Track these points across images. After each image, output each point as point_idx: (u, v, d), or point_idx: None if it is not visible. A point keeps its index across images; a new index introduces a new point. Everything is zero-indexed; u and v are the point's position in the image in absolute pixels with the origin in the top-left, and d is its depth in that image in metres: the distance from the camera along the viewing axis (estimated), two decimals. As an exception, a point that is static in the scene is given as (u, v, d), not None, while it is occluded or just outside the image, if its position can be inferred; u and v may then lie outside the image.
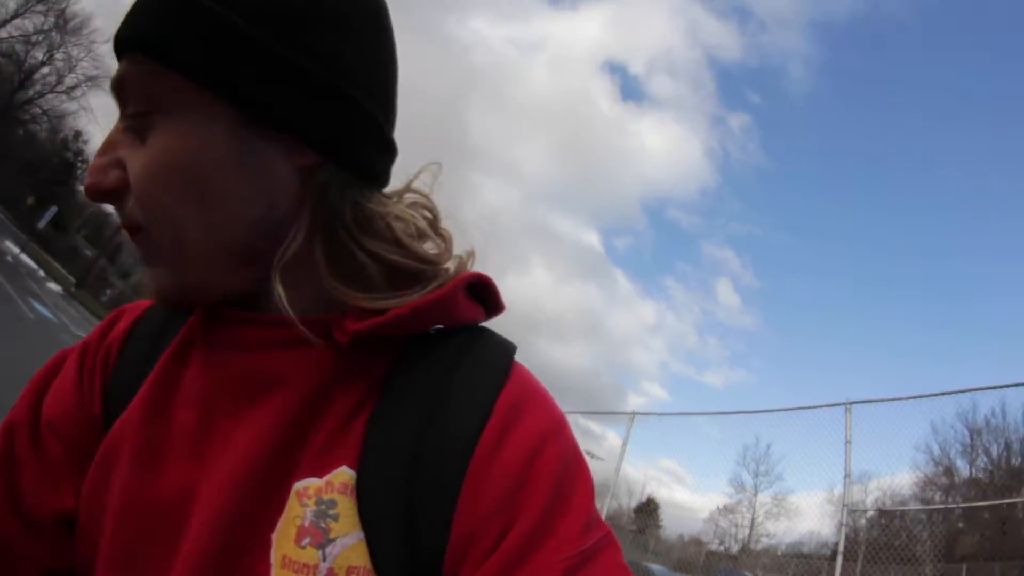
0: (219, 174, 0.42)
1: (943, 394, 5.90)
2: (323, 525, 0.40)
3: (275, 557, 0.40)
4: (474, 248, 0.49)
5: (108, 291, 25.94)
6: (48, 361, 0.54)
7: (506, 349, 0.47)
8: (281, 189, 0.44)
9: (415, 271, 0.45)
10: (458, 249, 0.48)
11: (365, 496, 0.41)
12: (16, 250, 20.76)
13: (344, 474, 0.42)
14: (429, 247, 0.46)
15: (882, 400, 6.17)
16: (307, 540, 0.40)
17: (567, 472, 0.41)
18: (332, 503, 0.41)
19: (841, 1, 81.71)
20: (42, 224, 23.68)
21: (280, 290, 0.42)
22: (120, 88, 0.43)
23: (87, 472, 0.47)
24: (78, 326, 12.94)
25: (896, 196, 60.11)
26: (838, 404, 6.21)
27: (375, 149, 0.46)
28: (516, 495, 0.39)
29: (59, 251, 28.38)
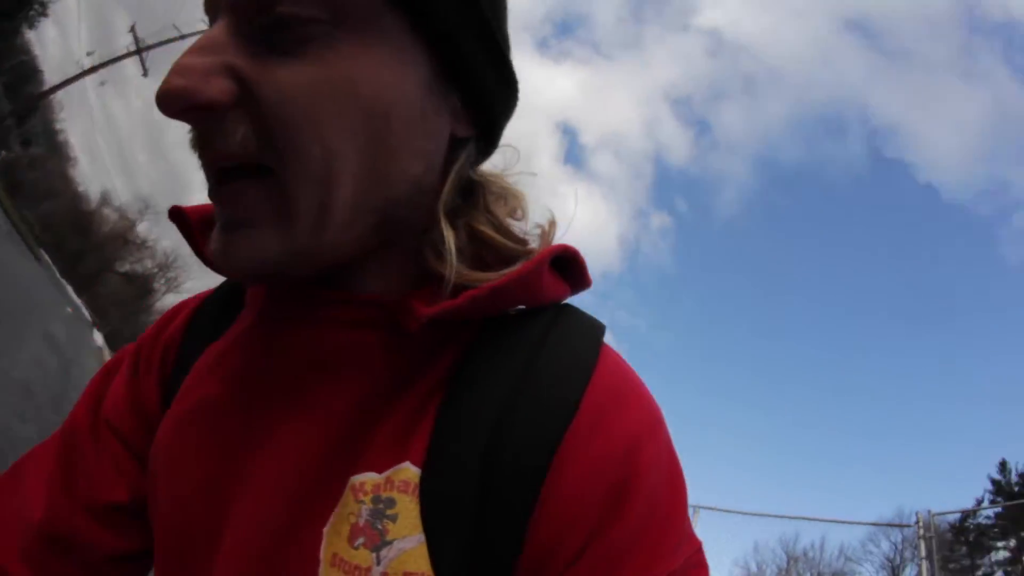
0: (397, 122, 0.37)
1: (776, 516, 6.48)
2: (379, 526, 0.36)
3: (325, 553, 0.36)
4: (554, 217, 0.44)
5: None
6: (108, 360, 0.54)
7: (594, 331, 0.42)
8: (438, 154, 0.41)
9: (506, 250, 0.41)
10: (537, 218, 0.45)
11: (430, 497, 0.36)
12: None
13: (407, 471, 0.37)
14: (519, 226, 0.43)
15: (726, 511, 6.47)
16: (360, 540, 0.36)
17: (663, 478, 0.37)
18: (391, 502, 0.37)
19: (792, 149, 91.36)
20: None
21: (450, 255, 0.38)
22: None
23: (147, 465, 0.45)
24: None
25: (781, 326, 65.90)
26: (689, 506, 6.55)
27: (507, 121, 0.45)
28: (604, 502, 0.35)
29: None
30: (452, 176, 0.41)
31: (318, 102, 0.34)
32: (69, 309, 14.65)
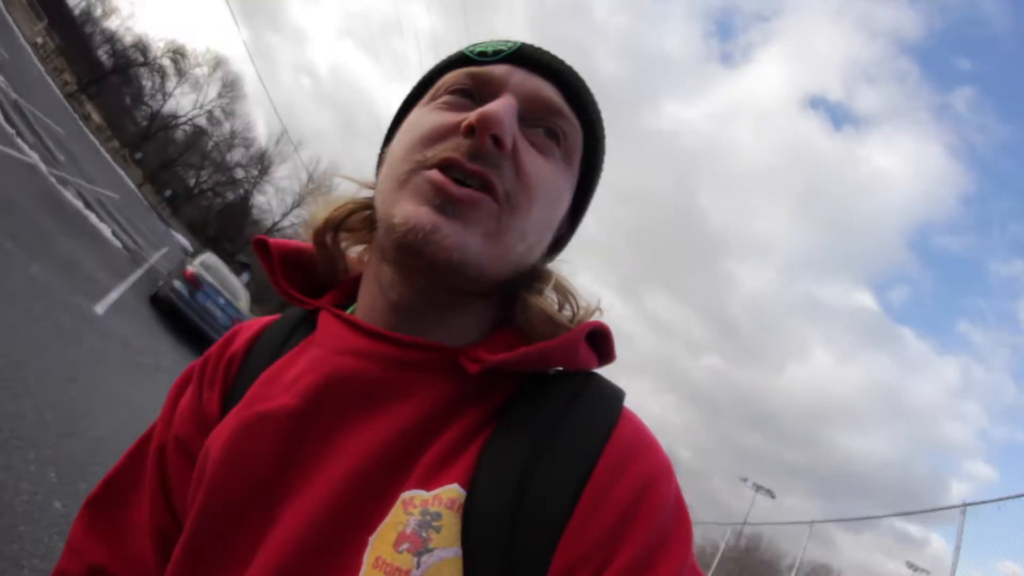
0: (553, 227, 0.55)
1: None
2: (424, 534, 0.41)
3: (368, 557, 0.41)
4: (600, 303, 0.54)
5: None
6: (179, 377, 0.60)
7: (616, 394, 0.49)
8: (542, 256, 0.54)
9: (559, 324, 0.50)
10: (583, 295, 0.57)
11: (471, 516, 0.42)
12: None
13: (454, 491, 0.43)
14: (567, 309, 0.53)
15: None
16: (405, 546, 0.41)
17: (669, 517, 0.42)
18: (437, 515, 0.42)
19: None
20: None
21: (538, 303, 0.50)
22: (548, 108, 0.52)
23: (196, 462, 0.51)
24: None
25: None
26: None
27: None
28: (617, 534, 0.40)
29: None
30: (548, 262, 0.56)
31: (546, 188, 0.50)
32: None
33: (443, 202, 0.45)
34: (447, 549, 0.41)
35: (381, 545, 0.41)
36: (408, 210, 0.45)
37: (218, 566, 0.45)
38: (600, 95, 0.57)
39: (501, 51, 0.52)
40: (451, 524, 0.41)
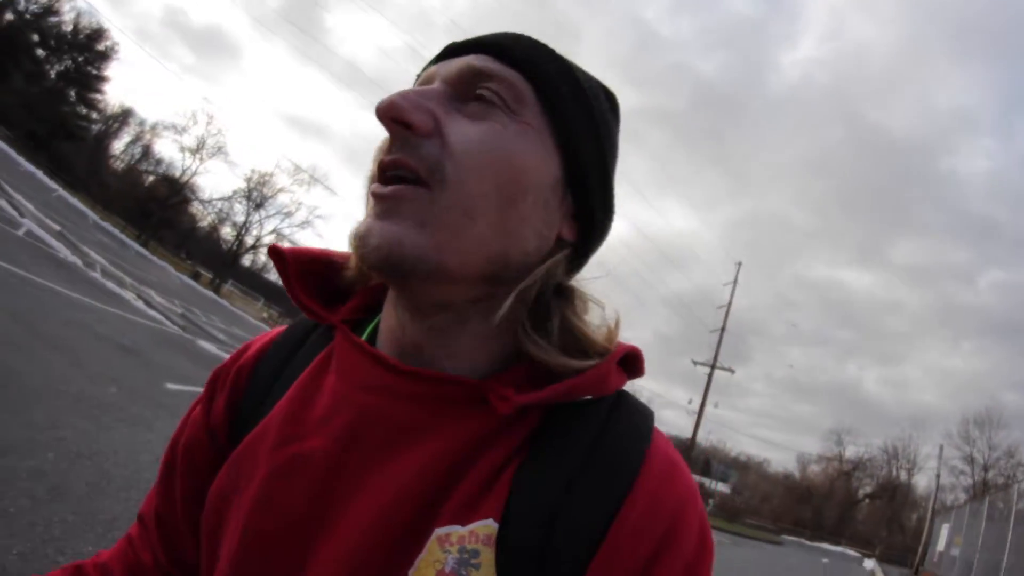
0: (531, 197, 0.46)
1: None
2: (463, 572, 0.42)
3: None
4: (619, 315, 0.51)
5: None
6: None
7: (646, 418, 0.49)
8: (544, 242, 0.49)
9: (590, 347, 0.48)
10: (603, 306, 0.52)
11: (505, 548, 0.42)
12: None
13: (488, 527, 0.43)
14: (599, 328, 0.50)
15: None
16: None
17: (695, 538, 0.44)
18: (475, 552, 0.42)
19: None
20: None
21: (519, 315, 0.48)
22: (474, 75, 0.47)
23: (212, 483, 0.52)
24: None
25: None
26: None
27: (600, 246, 0.55)
28: (650, 556, 0.42)
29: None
30: (549, 262, 0.49)
31: (486, 154, 0.44)
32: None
33: (375, 207, 0.45)
34: None
35: None
36: (358, 223, 0.46)
37: None
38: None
39: (437, 54, 0.52)
40: (488, 560, 0.42)
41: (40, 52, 34.93)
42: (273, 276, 40.42)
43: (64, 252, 10.62)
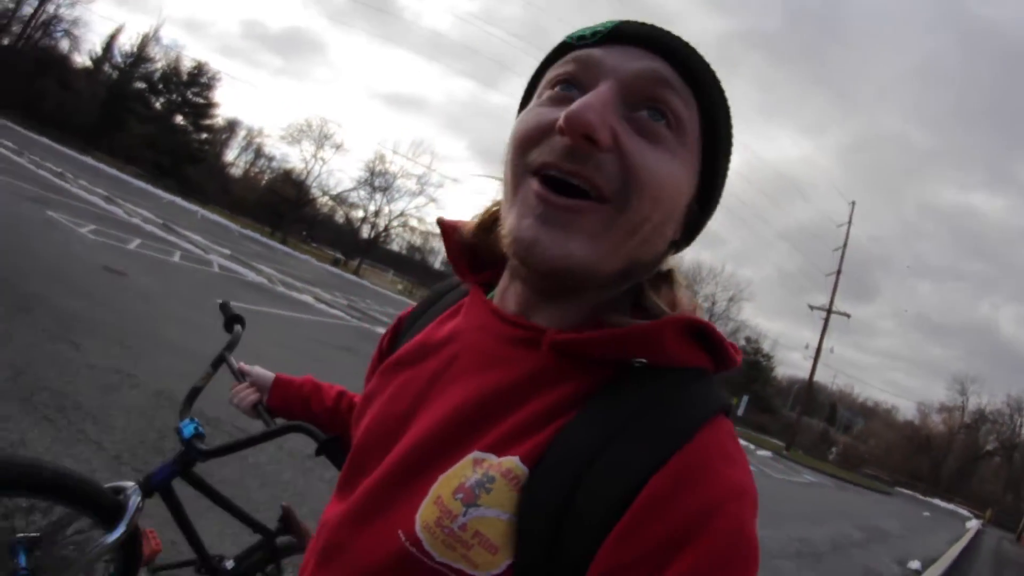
0: (677, 214, 0.52)
1: None
2: (477, 492, 0.47)
3: (432, 491, 0.48)
4: (700, 303, 0.56)
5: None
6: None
7: (711, 402, 0.47)
8: (665, 244, 0.53)
9: (656, 313, 0.53)
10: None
11: (531, 492, 0.45)
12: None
13: (514, 464, 0.46)
14: (686, 300, 0.55)
15: None
16: (460, 496, 0.47)
17: (730, 548, 0.40)
18: (492, 479, 0.46)
19: None
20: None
21: (652, 297, 0.54)
22: (655, 83, 0.48)
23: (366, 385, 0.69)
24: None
25: None
26: None
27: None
28: (666, 556, 0.39)
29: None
30: (662, 261, 0.55)
31: (661, 183, 0.48)
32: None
33: (544, 212, 0.47)
34: (490, 510, 0.46)
35: (445, 487, 0.48)
36: (513, 223, 0.49)
37: (364, 469, 0.56)
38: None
39: (599, 32, 0.51)
40: (500, 490, 0.46)
41: (150, 96, 38.75)
42: (395, 247, 46.89)
43: (250, 275, 12.22)
